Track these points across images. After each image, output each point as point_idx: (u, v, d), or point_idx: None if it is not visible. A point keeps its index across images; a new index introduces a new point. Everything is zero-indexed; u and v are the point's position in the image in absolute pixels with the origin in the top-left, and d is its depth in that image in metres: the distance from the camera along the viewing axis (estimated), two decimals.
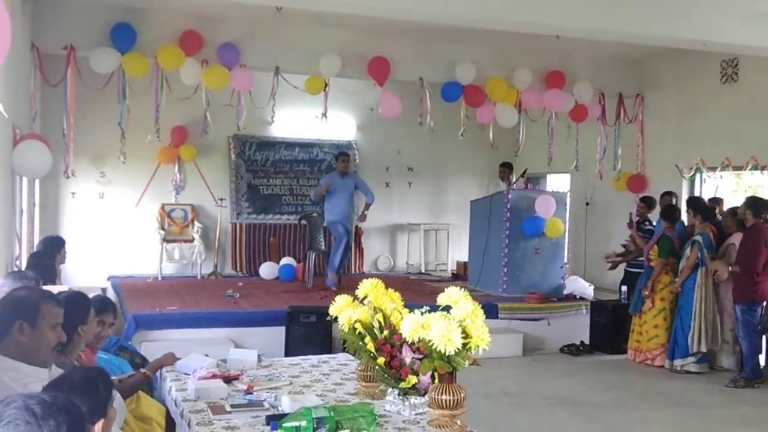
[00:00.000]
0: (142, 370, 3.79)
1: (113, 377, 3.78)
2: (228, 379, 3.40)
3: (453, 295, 2.92)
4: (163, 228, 10.17)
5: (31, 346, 2.71)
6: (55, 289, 4.31)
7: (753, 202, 7.05)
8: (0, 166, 5.06)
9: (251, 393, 3.23)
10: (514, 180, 9.73)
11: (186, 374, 3.51)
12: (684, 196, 9.05)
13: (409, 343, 3.01)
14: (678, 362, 7.37)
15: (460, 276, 10.39)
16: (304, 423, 2.67)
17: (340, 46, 8.40)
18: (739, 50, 7.43)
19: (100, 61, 7.65)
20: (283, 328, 7.29)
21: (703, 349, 7.22)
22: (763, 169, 8.06)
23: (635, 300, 7.75)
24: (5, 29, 2.49)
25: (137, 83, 8.07)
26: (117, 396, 3.05)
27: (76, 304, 3.24)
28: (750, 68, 8.30)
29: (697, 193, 9.05)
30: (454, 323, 2.77)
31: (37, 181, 8.23)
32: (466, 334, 2.79)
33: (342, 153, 9.76)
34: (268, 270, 10.27)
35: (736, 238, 7.20)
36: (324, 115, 8.79)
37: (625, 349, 7.89)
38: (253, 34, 8.25)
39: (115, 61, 7.70)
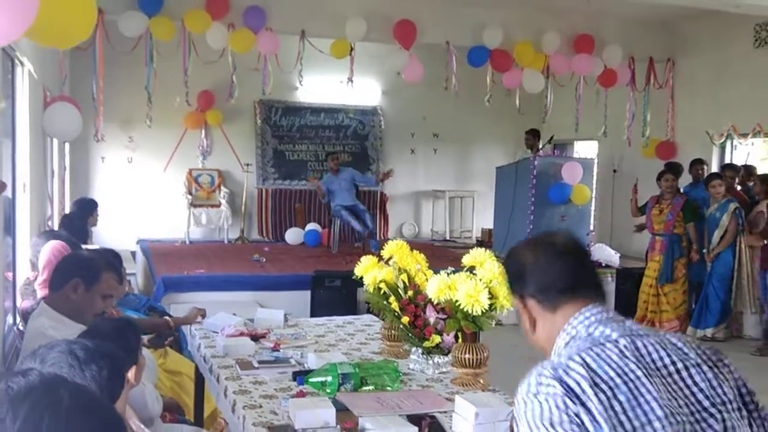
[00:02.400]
0: (167, 318, 3.89)
1: (143, 336, 3.89)
2: (255, 337, 3.46)
3: (478, 256, 2.94)
4: (190, 193, 10.28)
5: (80, 306, 2.82)
6: (86, 248, 4.40)
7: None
8: (31, 127, 5.13)
9: (278, 350, 3.29)
10: (540, 146, 9.64)
11: (214, 332, 3.58)
12: (714, 163, 8.92)
13: (434, 303, 3.04)
14: (709, 330, 7.34)
15: (485, 243, 10.37)
16: (329, 378, 2.72)
17: (365, 10, 8.33)
18: None
19: (128, 24, 7.67)
20: (308, 292, 7.38)
21: (743, 309, 7.23)
22: None
23: (667, 269, 7.67)
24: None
25: (164, 47, 8.09)
26: (147, 352, 3.16)
27: (108, 262, 3.33)
28: None
29: (727, 160, 8.90)
30: (480, 284, 2.78)
31: (67, 145, 8.34)
32: (491, 295, 2.81)
33: (330, 153, 9.88)
34: (293, 235, 10.36)
35: (764, 206, 7.12)
36: (350, 79, 8.75)
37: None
38: None
39: (142, 25, 7.72)
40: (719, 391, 1.52)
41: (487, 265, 2.88)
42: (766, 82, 8.26)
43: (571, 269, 1.70)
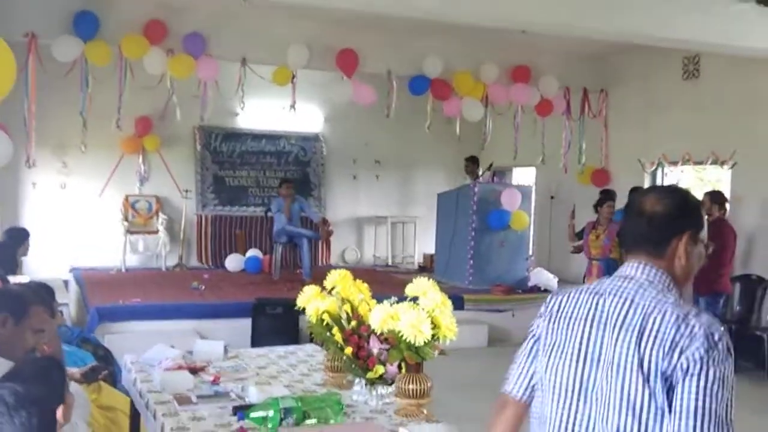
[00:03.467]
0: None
1: (75, 369, 3.75)
2: (194, 370, 3.37)
3: (422, 285, 2.94)
4: (126, 219, 10.03)
5: (9, 341, 2.70)
6: (15, 280, 4.24)
7: (716, 196, 7.22)
8: None
9: (218, 384, 3.21)
10: (480, 173, 9.80)
11: (151, 365, 3.48)
12: None
13: (377, 333, 3.03)
14: None
15: (426, 268, 10.45)
16: (271, 413, 2.67)
17: (308, 38, 8.35)
18: (700, 47, 7.57)
19: (62, 49, 7.50)
20: (249, 320, 7.27)
21: None
22: (722, 163, 8.25)
23: None
24: None
25: (100, 72, 7.93)
26: (78, 388, 3.04)
27: (40, 294, 3.22)
28: (711, 65, 8.46)
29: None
30: (423, 314, 2.79)
31: None
32: (434, 325, 2.82)
33: (284, 180, 9.79)
34: (234, 262, 10.21)
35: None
36: (292, 106, 8.74)
37: None
38: (219, 23, 8.16)
39: (77, 49, 7.56)
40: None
41: (430, 295, 2.89)
42: (694, 112, 8.62)
43: None
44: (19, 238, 5.98)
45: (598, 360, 1.76)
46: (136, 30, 7.76)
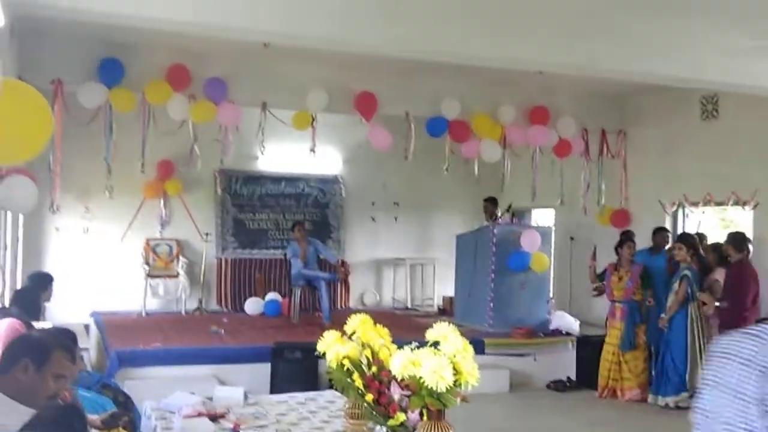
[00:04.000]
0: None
1: (95, 416, 3.73)
2: (214, 417, 3.36)
3: (442, 330, 2.91)
4: (147, 263, 10.09)
5: (30, 388, 2.70)
6: (38, 325, 4.26)
7: (735, 238, 7.14)
8: None
9: (238, 431, 3.19)
10: (499, 215, 9.77)
11: (171, 412, 3.46)
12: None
13: (398, 379, 2.99)
14: (670, 399, 7.34)
15: (446, 311, 10.37)
16: None
17: (327, 82, 8.46)
18: (719, 87, 7.57)
19: (87, 95, 7.65)
20: (268, 365, 7.23)
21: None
22: (744, 204, 8.17)
23: (628, 336, 7.72)
24: None
25: (124, 117, 8.07)
26: None
27: (63, 341, 3.22)
28: (729, 105, 8.45)
29: (680, 229, 9.12)
30: (445, 359, 2.75)
31: (20, 216, 8.16)
32: (455, 370, 2.78)
33: (297, 222, 9.87)
34: (253, 305, 10.20)
35: (720, 274, 7.29)
36: (312, 150, 8.81)
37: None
38: (240, 69, 8.30)
39: (102, 96, 7.71)
40: None
41: (450, 339, 2.86)
42: (713, 152, 8.58)
43: None
44: (42, 283, 6.00)
45: None
46: (159, 76, 7.91)
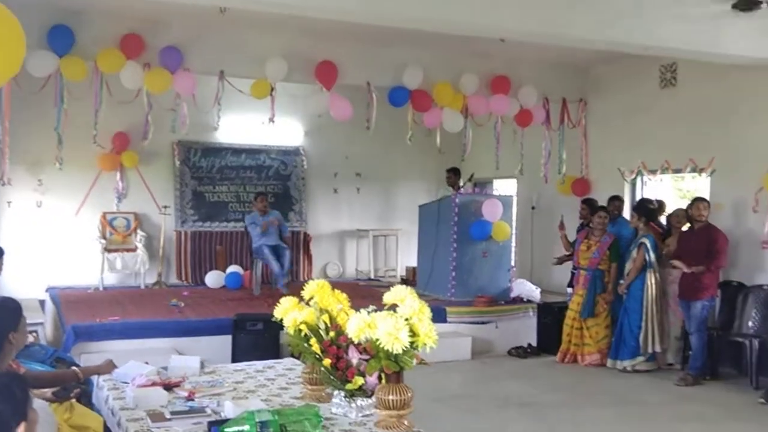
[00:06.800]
0: (74, 368, 3.66)
1: (48, 389, 3.64)
2: (168, 387, 3.29)
3: (399, 293, 2.88)
4: (104, 237, 9.88)
5: None
6: None
7: (706, 201, 7.25)
8: None
9: (193, 399, 3.13)
10: (461, 184, 9.77)
11: (124, 383, 3.38)
12: (627, 199, 9.23)
13: (356, 343, 2.96)
14: (627, 363, 7.50)
15: (409, 281, 10.37)
16: (246, 427, 2.59)
17: (286, 50, 8.30)
18: (678, 54, 7.61)
19: (36, 64, 7.37)
20: (229, 337, 7.15)
21: (657, 349, 7.40)
22: (701, 171, 8.28)
23: (588, 304, 7.81)
24: None
25: (76, 87, 7.82)
26: (44, 405, 2.94)
27: (8, 310, 3.13)
28: (687, 73, 8.51)
29: (638, 196, 9.22)
30: (401, 321, 2.73)
31: None
32: (413, 333, 2.76)
33: (259, 193, 9.77)
34: (214, 278, 10.08)
35: (673, 241, 7.43)
36: (271, 119, 8.66)
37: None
38: (196, 37, 8.08)
39: (52, 64, 7.45)
40: None
41: (407, 302, 2.83)
42: (672, 120, 8.66)
43: None
44: None
45: None
46: (112, 44, 7.67)
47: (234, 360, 6.82)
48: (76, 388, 3.63)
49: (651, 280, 7.43)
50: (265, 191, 10.56)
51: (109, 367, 3.66)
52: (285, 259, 9.24)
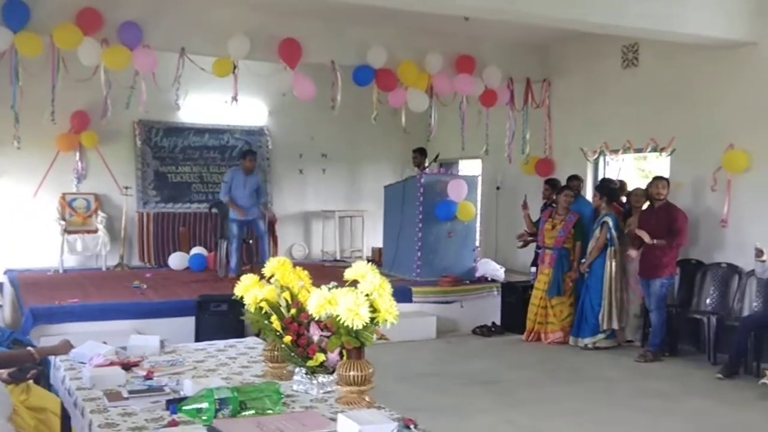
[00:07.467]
0: (29, 349, 3.59)
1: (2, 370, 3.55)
2: (127, 366, 3.23)
3: (360, 269, 2.86)
4: (63, 219, 9.69)
5: None
6: None
7: (665, 180, 7.36)
8: None
9: (151, 378, 3.08)
10: (427, 165, 9.77)
11: (81, 363, 3.32)
12: (589, 179, 9.33)
13: (317, 320, 2.94)
14: (588, 340, 7.61)
15: (375, 262, 10.36)
16: (205, 405, 2.55)
17: (249, 27, 8.17)
18: (639, 33, 7.66)
19: None
20: (193, 318, 7.09)
21: (615, 326, 7.51)
22: (661, 150, 8.39)
23: (556, 283, 7.87)
24: None
25: (32, 64, 7.61)
26: (0, 385, 2.88)
27: None
28: (649, 53, 8.59)
29: (600, 176, 9.31)
30: (361, 297, 2.71)
31: None
32: (373, 309, 2.74)
33: (250, 152, 9.52)
34: (177, 260, 9.97)
35: (634, 220, 7.53)
36: (234, 98, 8.53)
37: None
38: (156, 12, 7.90)
39: (6, 40, 7.24)
40: None
41: (368, 278, 2.81)
42: (633, 100, 8.74)
43: None
44: None
45: None
46: (68, 19, 7.47)
47: (198, 341, 6.75)
48: (32, 369, 3.55)
49: (612, 258, 7.53)
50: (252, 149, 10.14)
51: (65, 347, 3.59)
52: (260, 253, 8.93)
